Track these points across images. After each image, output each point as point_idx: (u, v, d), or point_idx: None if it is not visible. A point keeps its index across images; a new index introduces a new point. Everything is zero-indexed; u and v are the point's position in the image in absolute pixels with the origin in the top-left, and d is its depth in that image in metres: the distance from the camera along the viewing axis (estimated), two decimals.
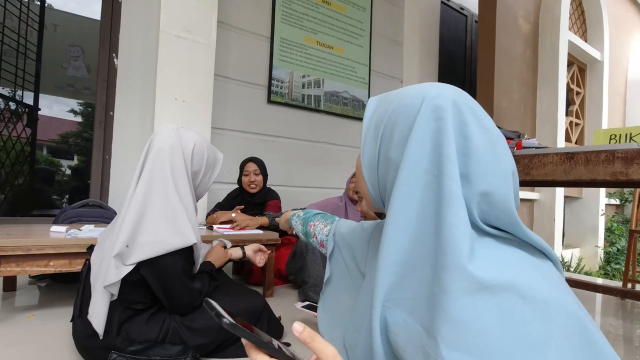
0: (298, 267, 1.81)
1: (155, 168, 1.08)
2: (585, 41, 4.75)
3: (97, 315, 0.99)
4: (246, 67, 2.57)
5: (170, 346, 0.99)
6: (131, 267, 1.00)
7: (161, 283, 1.07)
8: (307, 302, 1.44)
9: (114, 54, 1.98)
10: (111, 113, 1.99)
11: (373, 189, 0.55)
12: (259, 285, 1.94)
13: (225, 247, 1.41)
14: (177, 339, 1.08)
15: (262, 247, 1.46)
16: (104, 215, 1.84)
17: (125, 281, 1.02)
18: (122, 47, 2.00)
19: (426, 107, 0.48)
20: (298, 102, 2.81)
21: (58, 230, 1.45)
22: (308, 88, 2.87)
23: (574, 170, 1.43)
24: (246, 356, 1.21)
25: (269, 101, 2.68)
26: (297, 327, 0.39)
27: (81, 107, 6.51)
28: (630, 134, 1.52)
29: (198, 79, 2.16)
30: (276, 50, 2.70)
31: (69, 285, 1.83)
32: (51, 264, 1.35)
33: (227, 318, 0.36)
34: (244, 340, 0.39)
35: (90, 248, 1.18)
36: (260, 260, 1.41)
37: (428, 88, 0.50)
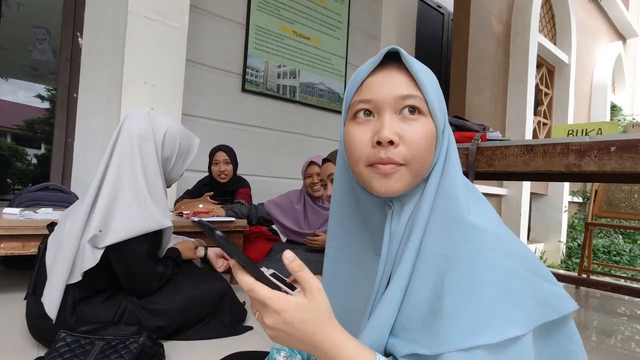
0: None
1: (125, 153, 1.07)
2: (555, 44, 4.93)
3: (51, 299, 0.96)
4: (220, 54, 2.53)
5: (125, 327, 0.98)
6: (102, 250, 1.00)
7: (126, 265, 1.06)
8: (272, 271, 1.43)
9: (78, 33, 1.90)
10: (75, 94, 1.92)
11: None
12: (226, 273, 1.93)
13: (205, 248, 1.41)
14: (134, 321, 1.07)
15: (225, 254, 1.45)
16: (66, 200, 1.78)
17: None
18: (88, 26, 1.93)
19: None
20: (273, 92, 2.80)
21: (11, 212, 1.39)
22: (283, 78, 2.85)
23: (532, 161, 1.49)
24: (205, 338, 1.21)
25: (243, 90, 2.65)
26: (288, 256, 0.38)
27: (48, 93, 6.24)
28: (586, 129, 1.59)
29: (169, 63, 2.11)
30: (251, 39, 2.67)
31: (24, 272, 1.76)
32: (1, 246, 1.29)
33: (220, 231, 0.35)
34: (231, 262, 0.39)
35: (51, 225, 1.14)
36: (220, 266, 1.40)
37: None
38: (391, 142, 0.43)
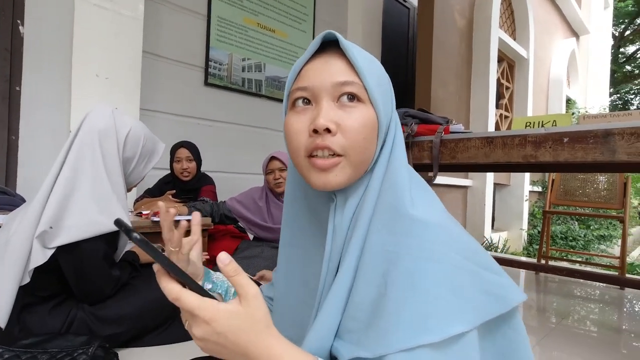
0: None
1: (84, 148, 1.01)
2: (514, 40, 5.12)
3: (2, 302, 0.88)
4: (180, 46, 2.42)
5: (73, 337, 0.91)
6: (53, 250, 0.93)
7: (78, 268, 0.98)
8: None
9: (18, 21, 1.74)
10: (17, 88, 1.76)
11: None
12: None
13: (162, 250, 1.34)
14: (85, 330, 1.00)
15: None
16: (11, 203, 1.64)
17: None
18: (30, 13, 1.77)
19: None
20: (238, 86, 2.72)
21: None
22: (248, 72, 2.78)
23: (493, 153, 1.53)
24: (165, 343, 1.16)
25: (206, 83, 2.55)
26: (223, 258, 0.35)
27: None
28: (542, 121, 1.65)
29: (124, 54, 1.98)
30: (213, 30, 2.57)
31: None
32: None
33: (138, 234, 0.31)
34: (155, 267, 0.35)
35: None
36: None
37: None
38: (328, 130, 0.41)
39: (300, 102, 0.44)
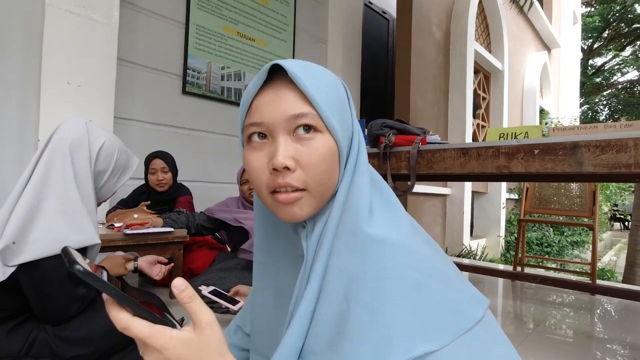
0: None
1: (54, 159, 0.97)
2: (490, 52, 5.29)
3: None
4: (157, 54, 2.38)
5: None
6: (15, 267, 0.87)
7: (39, 287, 0.93)
8: (212, 287, 1.35)
9: None
10: None
11: None
12: (166, 287, 1.80)
13: (135, 259, 1.29)
14: (47, 352, 0.94)
15: (160, 258, 1.34)
16: None
17: None
18: None
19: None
20: (217, 95, 2.69)
21: None
22: (228, 80, 2.76)
23: (468, 164, 1.56)
24: None
25: (184, 92, 2.52)
26: (178, 284, 0.34)
27: None
28: (515, 133, 1.70)
29: (97, 62, 1.93)
30: (192, 38, 2.54)
31: None
32: None
33: (82, 265, 0.30)
34: (104, 296, 0.34)
35: None
36: (157, 273, 1.29)
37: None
38: (287, 168, 0.40)
39: (256, 136, 0.43)
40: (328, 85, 0.44)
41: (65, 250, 0.32)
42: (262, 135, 0.43)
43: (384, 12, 4.34)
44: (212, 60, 2.65)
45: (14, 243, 0.88)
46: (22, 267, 0.89)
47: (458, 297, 0.39)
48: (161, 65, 2.40)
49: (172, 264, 1.38)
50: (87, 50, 1.89)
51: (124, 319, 0.33)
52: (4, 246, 0.86)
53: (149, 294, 0.44)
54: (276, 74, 0.43)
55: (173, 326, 0.36)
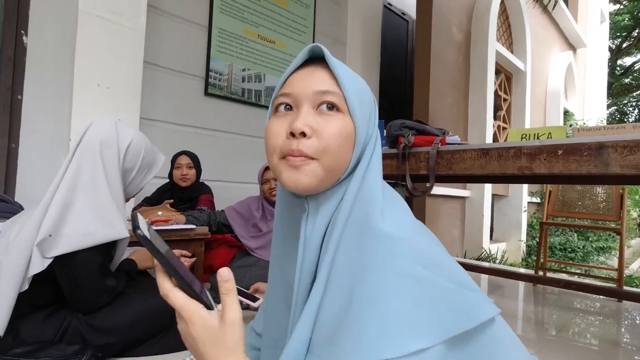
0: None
1: (86, 158, 1.02)
2: (512, 52, 5.18)
3: (1, 310, 0.88)
4: (181, 57, 2.45)
5: (65, 346, 0.91)
6: (51, 259, 0.93)
7: (72, 278, 0.99)
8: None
9: (22, 31, 1.77)
10: (19, 97, 1.78)
11: None
12: None
13: None
14: (78, 339, 0.99)
15: (184, 252, 1.39)
16: (9, 210, 1.64)
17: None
18: (33, 23, 1.80)
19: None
20: (238, 96, 2.75)
21: None
22: (248, 82, 2.81)
23: (488, 165, 1.54)
24: (159, 353, 1.15)
25: (206, 93, 2.58)
26: (224, 274, 0.38)
27: None
28: (537, 133, 1.67)
29: (124, 64, 2.01)
30: (214, 41, 2.61)
31: None
32: None
33: (142, 231, 0.34)
34: (155, 262, 0.38)
35: None
36: None
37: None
38: (304, 134, 0.43)
39: (282, 107, 0.46)
40: (357, 79, 0.47)
41: (133, 215, 0.35)
42: (289, 107, 0.46)
43: (404, 14, 4.32)
44: (233, 63, 2.71)
45: (50, 236, 0.94)
46: (57, 259, 0.95)
47: (463, 296, 0.39)
48: (185, 68, 2.47)
49: (194, 258, 1.42)
50: (115, 54, 1.97)
51: (166, 287, 0.37)
52: (41, 239, 0.92)
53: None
54: (315, 59, 0.47)
55: (208, 305, 0.38)
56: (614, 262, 4.94)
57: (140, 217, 0.36)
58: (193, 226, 1.72)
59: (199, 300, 0.38)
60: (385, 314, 0.35)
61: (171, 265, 0.36)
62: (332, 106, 0.44)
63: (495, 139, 4.83)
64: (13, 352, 0.86)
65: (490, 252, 4.32)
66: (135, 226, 0.34)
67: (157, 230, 1.62)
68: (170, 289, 0.37)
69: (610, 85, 10.95)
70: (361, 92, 0.47)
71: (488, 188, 4.42)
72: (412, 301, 0.36)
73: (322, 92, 0.44)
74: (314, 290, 0.42)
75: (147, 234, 0.34)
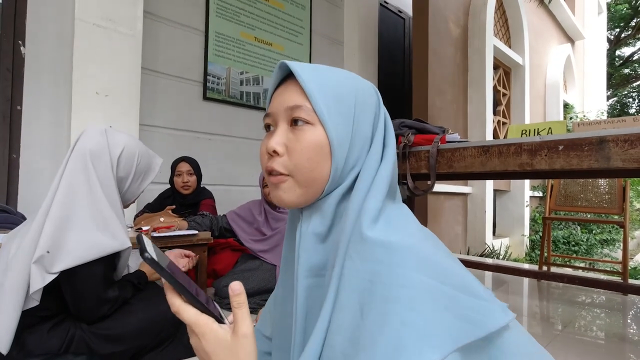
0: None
1: (77, 170, 1.01)
2: (510, 47, 5.17)
3: (2, 329, 0.88)
4: (179, 62, 2.46)
5: (72, 356, 0.91)
6: (56, 274, 0.93)
7: (76, 290, 0.98)
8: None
9: (19, 41, 1.78)
10: (18, 107, 1.79)
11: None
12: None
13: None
14: (84, 348, 0.99)
15: (187, 252, 1.39)
16: (10, 221, 1.64)
17: None
18: (31, 34, 1.81)
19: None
20: (236, 100, 2.75)
21: None
22: (247, 85, 2.81)
23: (489, 162, 1.53)
24: None
25: (205, 98, 2.58)
26: (235, 288, 0.39)
27: None
28: (537, 129, 1.66)
29: (122, 72, 2.01)
30: (211, 45, 2.61)
31: None
32: None
33: (150, 254, 0.35)
34: (163, 281, 0.39)
35: None
36: (184, 265, 1.34)
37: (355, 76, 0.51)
38: (276, 152, 0.45)
39: (268, 127, 0.49)
40: (334, 85, 0.45)
41: (139, 238, 0.37)
42: (272, 126, 0.48)
43: (400, 11, 4.32)
44: (231, 66, 2.71)
45: (48, 252, 0.93)
46: (64, 273, 0.94)
47: (473, 304, 0.38)
48: (182, 73, 2.48)
49: (198, 255, 1.43)
50: (113, 61, 1.97)
51: (176, 303, 0.38)
52: (39, 256, 0.91)
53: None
54: (293, 75, 0.47)
55: (218, 318, 0.39)
56: (618, 254, 4.92)
57: (145, 239, 0.37)
58: (195, 232, 1.72)
59: (208, 313, 0.39)
60: (396, 329, 0.35)
61: (179, 284, 0.37)
62: (303, 120, 0.45)
63: (495, 135, 4.81)
64: None
65: (493, 247, 4.31)
66: (142, 249, 0.35)
67: (159, 237, 1.63)
68: (180, 304, 0.38)
69: (609, 76, 10.92)
70: (338, 96, 0.45)
71: (489, 184, 4.41)
72: (422, 314, 0.35)
73: (290, 107, 0.45)
74: (324, 308, 0.41)
75: (154, 256, 0.35)
